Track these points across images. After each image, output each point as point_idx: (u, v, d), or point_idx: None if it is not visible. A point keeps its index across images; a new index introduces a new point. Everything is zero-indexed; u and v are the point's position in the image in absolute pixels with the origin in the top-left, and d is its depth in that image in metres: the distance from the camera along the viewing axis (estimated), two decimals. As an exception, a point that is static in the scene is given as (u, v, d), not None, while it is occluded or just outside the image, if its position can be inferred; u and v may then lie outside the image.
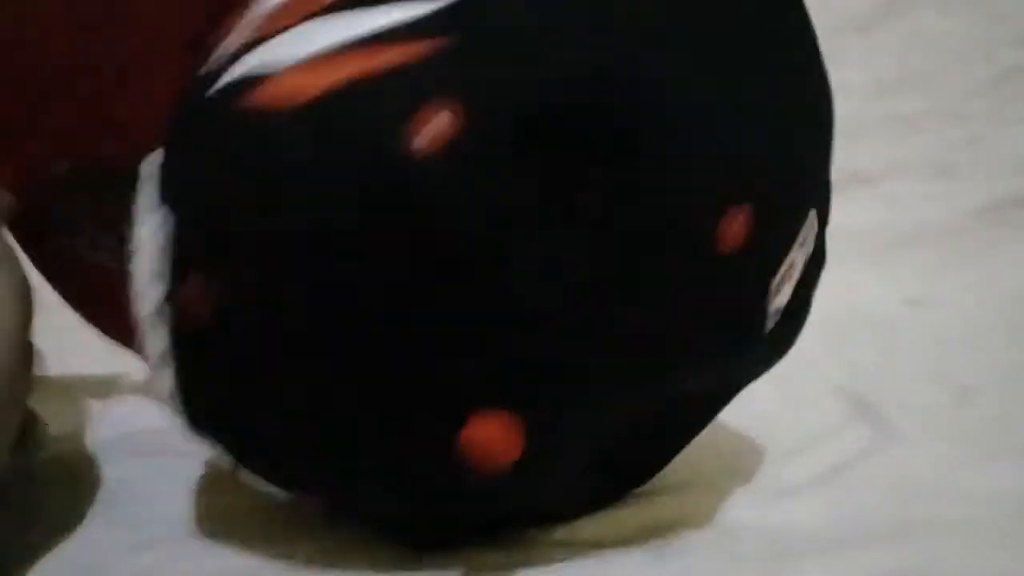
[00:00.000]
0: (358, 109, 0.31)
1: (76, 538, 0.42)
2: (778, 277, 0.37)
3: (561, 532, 0.43)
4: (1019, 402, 0.55)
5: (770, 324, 0.38)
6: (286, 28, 0.33)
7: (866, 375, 0.58)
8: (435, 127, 0.31)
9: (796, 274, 0.38)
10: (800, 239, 0.38)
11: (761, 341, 0.39)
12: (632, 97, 0.32)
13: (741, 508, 0.45)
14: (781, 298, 0.37)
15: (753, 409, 0.54)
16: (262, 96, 0.31)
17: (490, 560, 0.41)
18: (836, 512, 0.44)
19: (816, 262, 0.41)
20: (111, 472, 0.47)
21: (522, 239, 0.31)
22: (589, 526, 0.43)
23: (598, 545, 0.42)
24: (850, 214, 0.77)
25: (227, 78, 0.33)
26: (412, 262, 0.31)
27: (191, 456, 0.48)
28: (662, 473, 0.48)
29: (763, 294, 0.37)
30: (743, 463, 0.49)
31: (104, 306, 0.44)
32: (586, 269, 0.32)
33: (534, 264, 0.31)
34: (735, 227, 0.35)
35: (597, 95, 0.32)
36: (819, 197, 0.41)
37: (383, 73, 0.31)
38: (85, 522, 0.43)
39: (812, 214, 0.39)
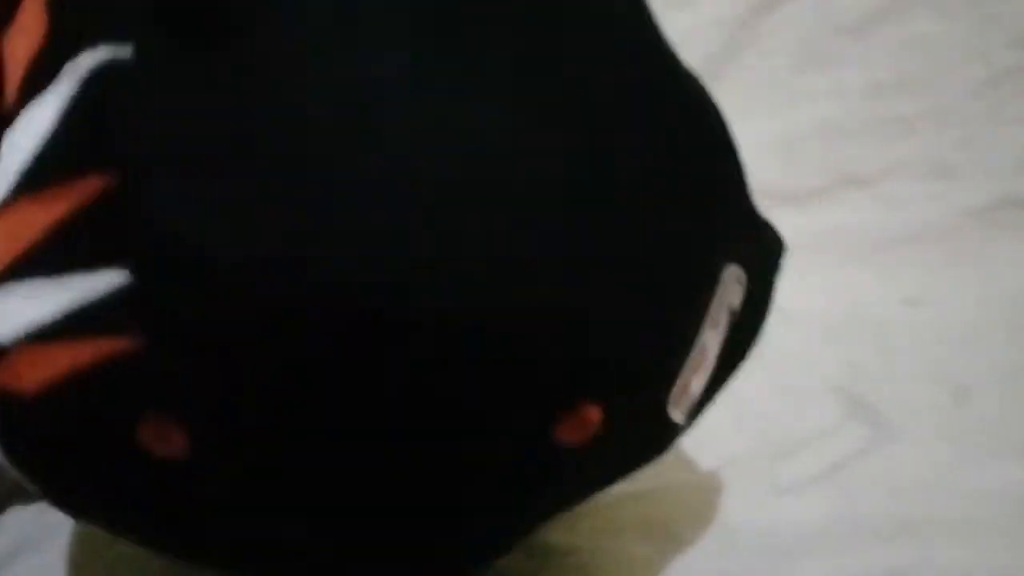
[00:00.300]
0: (87, 407, 0.28)
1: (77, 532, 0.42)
2: (675, 392, 0.31)
3: (561, 530, 0.43)
4: (1017, 401, 0.55)
5: (684, 415, 0.33)
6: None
7: (865, 375, 0.58)
8: (166, 444, 0.27)
9: (711, 356, 0.32)
10: (705, 334, 0.31)
11: (677, 429, 0.34)
12: (399, 342, 0.25)
13: (740, 506, 0.45)
14: (691, 392, 0.32)
15: (752, 408, 0.54)
16: (2, 375, 0.28)
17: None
18: (834, 510, 0.44)
19: (760, 290, 0.34)
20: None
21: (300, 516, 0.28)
22: (589, 524, 0.43)
23: (598, 541, 0.42)
24: (849, 215, 0.78)
25: None
26: None
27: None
28: (662, 471, 0.48)
29: (657, 423, 0.31)
30: (742, 461, 0.49)
31: None
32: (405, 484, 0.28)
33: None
34: (577, 426, 0.28)
35: (339, 366, 0.25)
36: (736, 245, 0.32)
37: (96, 370, 0.27)
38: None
39: (727, 274, 0.31)
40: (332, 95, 0.25)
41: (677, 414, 0.32)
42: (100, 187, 0.25)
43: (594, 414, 0.28)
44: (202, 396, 0.26)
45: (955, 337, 0.64)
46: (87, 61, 0.25)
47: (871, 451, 0.49)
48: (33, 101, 0.27)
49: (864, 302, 0.69)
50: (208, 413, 0.26)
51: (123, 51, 0.25)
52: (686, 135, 0.30)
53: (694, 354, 0.31)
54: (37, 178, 0.27)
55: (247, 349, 0.25)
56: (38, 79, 0.27)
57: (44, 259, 0.27)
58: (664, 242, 0.28)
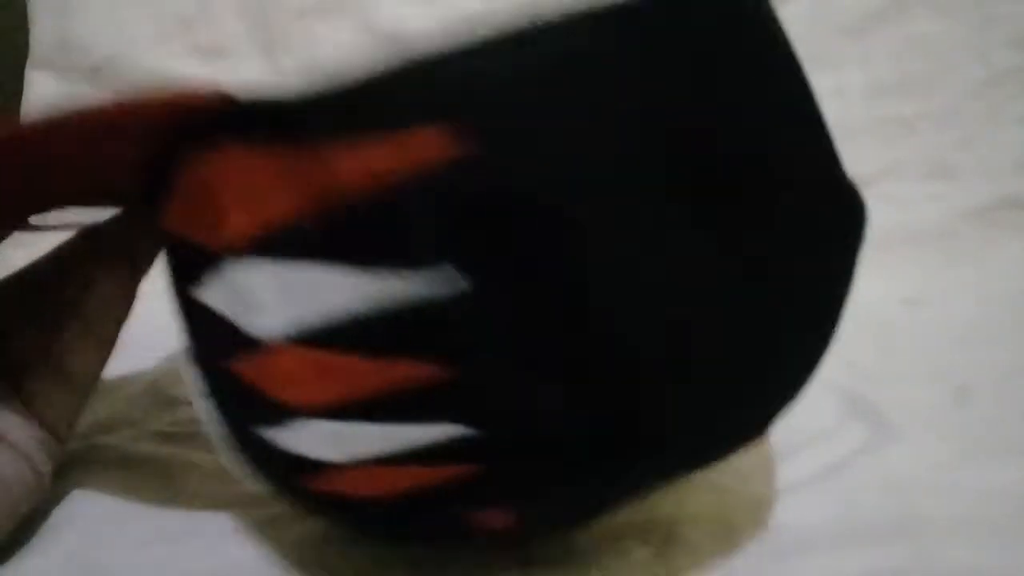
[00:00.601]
0: (424, 511, 0.34)
1: (76, 534, 0.42)
2: None
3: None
4: (1016, 401, 0.55)
5: None
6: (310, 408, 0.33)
7: (864, 374, 0.59)
8: (496, 522, 0.34)
9: None
10: None
11: None
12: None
13: (740, 506, 0.45)
14: None
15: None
16: (332, 482, 0.34)
17: (491, 557, 0.41)
18: (834, 510, 0.44)
19: None
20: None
21: None
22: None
23: (597, 541, 0.42)
24: (848, 215, 0.78)
25: (276, 442, 0.34)
26: None
27: (189, 452, 0.48)
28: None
29: None
30: (742, 461, 0.49)
31: None
32: None
33: None
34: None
35: None
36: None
37: (438, 484, 0.33)
38: (86, 517, 0.43)
39: None
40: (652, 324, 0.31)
41: None
42: (438, 373, 0.31)
43: None
44: (538, 494, 0.34)
45: (955, 337, 0.64)
46: (400, 284, 0.30)
47: (871, 451, 0.49)
48: (296, 263, 0.31)
49: (864, 302, 0.69)
50: (541, 503, 0.34)
51: (456, 282, 0.29)
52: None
53: None
54: (346, 340, 0.31)
55: (579, 460, 0.32)
56: (284, 241, 0.31)
57: (375, 408, 0.32)
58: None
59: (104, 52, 0.79)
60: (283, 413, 0.33)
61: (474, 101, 0.28)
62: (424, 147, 0.28)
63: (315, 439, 0.33)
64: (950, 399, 0.55)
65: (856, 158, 0.79)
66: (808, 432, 0.51)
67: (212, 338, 0.34)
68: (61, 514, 0.43)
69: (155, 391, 0.55)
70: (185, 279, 0.34)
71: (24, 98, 0.79)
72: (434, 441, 0.32)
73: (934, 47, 0.82)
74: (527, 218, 0.29)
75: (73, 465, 0.45)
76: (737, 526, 0.43)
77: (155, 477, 0.46)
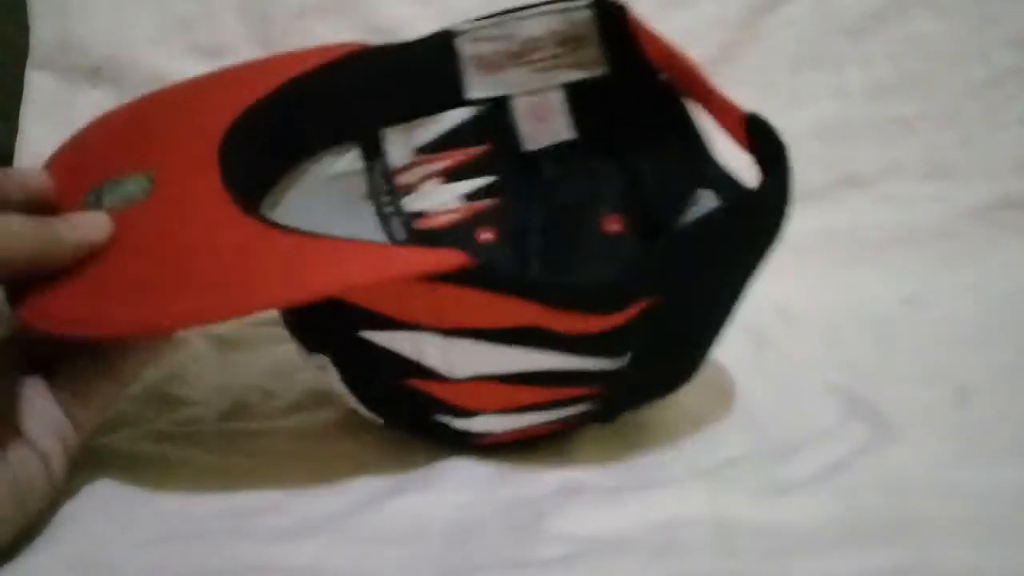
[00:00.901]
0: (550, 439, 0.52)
1: (77, 533, 0.42)
2: None
3: (560, 527, 0.43)
4: (1016, 401, 0.55)
5: None
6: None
7: (864, 374, 0.59)
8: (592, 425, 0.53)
9: None
10: None
11: None
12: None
13: (739, 506, 0.45)
14: None
15: (752, 408, 0.54)
16: (492, 439, 0.49)
17: (490, 556, 0.41)
18: (834, 510, 0.44)
19: None
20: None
21: None
22: (588, 523, 0.44)
23: (596, 542, 0.42)
24: (847, 215, 0.78)
25: (453, 426, 0.48)
26: None
27: (190, 452, 0.48)
28: (660, 470, 0.48)
29: None
30: (741, 461, 0.49)
31: None
32: None
33: None
34: None
35: None
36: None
37: (566, 427, 0.51)
38: (88, 516, 0.43)
39: None
40: None
41: None
42: (595, 390, 0.48)
43: None
44: (626, 412, 0.52)
45: (955, 337, 0.64)
46: (596, 361, 0.47)
47: (871, 451, 0.49)
48: (505, 345, 0.45)
49: (864, 302, 0.69)
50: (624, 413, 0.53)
51: (628, 358, 0.47)
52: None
53: None
54: (532, 380, 0.47)
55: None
56: (496, 335, 0.45)
57: (544, 407, 0.48)
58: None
59: (104, 52, 0.79)
60: (464, 413, 0.47)
61: (658, 285, 0.45)
62: (633, 310, 0.45)
63: (490, 425, 0.48)
64: (950, 399, 0.55)
65: (856, 158, 0.80)
66: (808, 432, 0.51)
67: (383, 363, 0.46)
68: (63, 513, 0.43)
69: (155, 391, 0.55)
70: (350, 324, 0.45)
71: (24, 98, 0.79)
72: (575, 413, 0.49)
73: (934, 47, 0.82)
74: (676, 329, 0.48)
75: (74, 465, 0.45)
76: (736, 524, 0.43)
77: (155, 477, 0.46)
